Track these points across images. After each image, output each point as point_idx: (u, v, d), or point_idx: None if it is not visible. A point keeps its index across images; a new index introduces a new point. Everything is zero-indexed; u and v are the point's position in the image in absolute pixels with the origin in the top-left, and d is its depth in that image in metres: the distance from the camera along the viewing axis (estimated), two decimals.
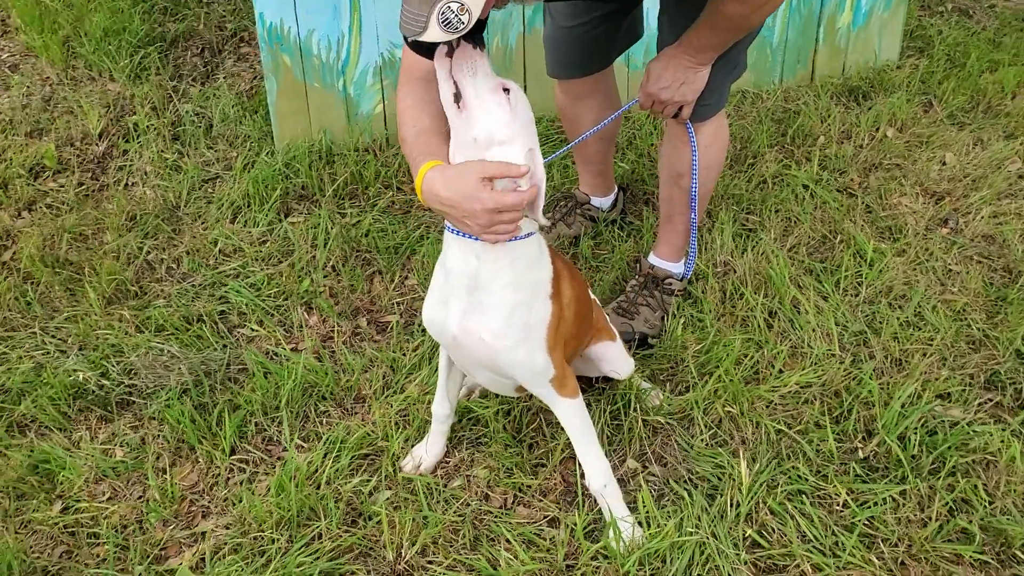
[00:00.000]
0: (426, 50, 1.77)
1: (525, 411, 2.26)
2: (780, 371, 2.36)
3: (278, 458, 2.20)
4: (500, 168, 1.62)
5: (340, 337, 2.54)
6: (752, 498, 2.01)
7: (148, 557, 1.97)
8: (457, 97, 1.69)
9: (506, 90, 1.69)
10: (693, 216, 2.45)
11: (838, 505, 2.02)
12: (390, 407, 2.29)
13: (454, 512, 2.03)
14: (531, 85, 3.41)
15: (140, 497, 2.12)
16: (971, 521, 1.97)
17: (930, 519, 1.98)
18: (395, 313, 2.62)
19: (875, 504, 2.01)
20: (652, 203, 3.03)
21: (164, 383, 2.36)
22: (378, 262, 2.80)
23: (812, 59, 3.79)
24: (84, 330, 2.54)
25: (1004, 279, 2.70)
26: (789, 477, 2.08)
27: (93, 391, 2.35)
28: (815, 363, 2.38)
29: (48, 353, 2.49)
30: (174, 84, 3.65)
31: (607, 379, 2.26)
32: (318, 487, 2.09)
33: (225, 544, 1.98)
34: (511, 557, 1.92)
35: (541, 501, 2.07)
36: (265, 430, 2.27)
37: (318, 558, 1.93)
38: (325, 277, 2.75)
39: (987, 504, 2.01)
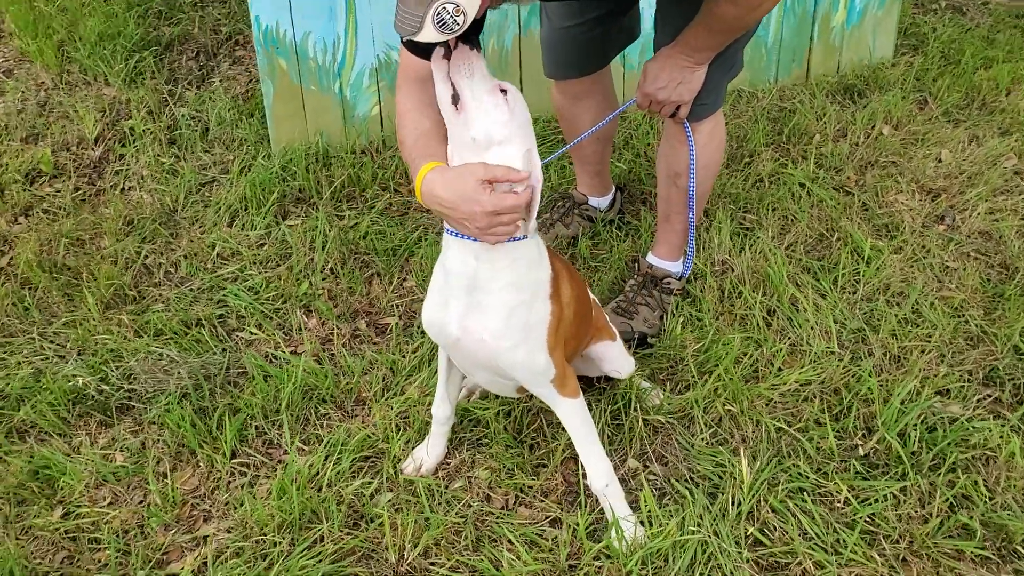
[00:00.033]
0: (423, 51, 1.77)
1: (526, 412, 2.27)
2: (779, 369, 2.37)
3: (279, 461, 2.20)
4: (500, 172, 1.63)
5: (339, 339, 2.54)
6: (753, 496, 2.02)
7: (150, 562, 1.97)
8: (455, 99, 1.69)
9: (503, 91, 1.70)
10: (691, 215, 2.46)
11: (839, 502, 2.03)
12: (390, 409, 2.29)
13: (456, 513, 2.04)
14: (527, 86, 3.41)
15: (141, 502, 2.12)
16: (972, 517, 1.97)
17: (931, 515, 1.98)
18: (394, 315, 2.62)
19: (876, 501, 2.01)
20: (650, 203, 3.04)
21: (164, 387, 2.36)
22: (376, 264, 2.80)
23: (807, 58, 3.80)
24: (83, 335, 2.53)
25: (1001, 275, 2.70)
26: (790, 475, 2.08)
27: (92, 396, 2.35)
28: (814, 361, 2.38)
29: (47, 358, 2.48)
30: (169, 88, 3.65)
31: (608, 379, 2.26)
32: (319, 490, 2.09)
33: (227, 548, 1.98)
34: (513, 558, 1.92)
35: (543, 501, 2.07)
36: (265, 433, 2.27)
37: (320, 561, 1.93)
38: (324, 280, 2.75)
39: (987, 500, 2.01)
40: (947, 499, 2.01)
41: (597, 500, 1.99)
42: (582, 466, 1.99)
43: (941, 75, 3.75)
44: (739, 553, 1.91)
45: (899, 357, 2.41)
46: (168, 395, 2.33)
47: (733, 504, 2.00)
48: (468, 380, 2.23)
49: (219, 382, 2.39)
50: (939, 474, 2.06)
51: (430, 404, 2.14)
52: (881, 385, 2.30)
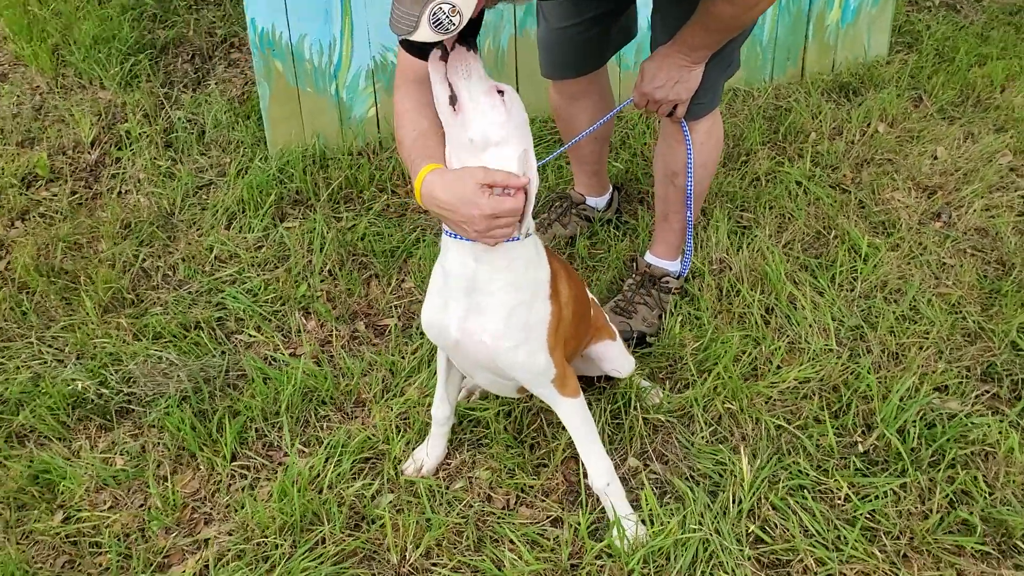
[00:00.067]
0: (419, 51, 1.78)
1: (526, 412, 2.27)
2: (778, 367, 2.37)
3: (279, 463, 2.20)
4: (500, 177, 1.63)
5: (338, 341, 2.54)
6: (754, 494, 2.02)
7: (151, 565, 1.97)
8: (452, 100, 1.69)
9: (500, 92, 1.70)
10: (689, 214, 2.46)
11: (839, 499, 2.03)
12: (390, 410, 2.29)
13: (457, 514, 2.04)
14: (524, 86, 3.41)
15: (142, 505, 2.12)
16: (972, 512, 1.98)
17: (931, 511, 1.99)
18: (393, 316, 2.62)
19: (876, 497, 2.02)
20: (647, 202, 3.04)
21: (163, 391, 2.36)
22: (375, 266, 2.80)
23: (802, 56, 3.81)
24: (81, 339, 2.53)
25: (998, 271, 2.71)
26: (790, 472, 2.09)
27: (92, 400, 2.34)
28: (813, 358, 2.39)
29: (45, 363, 2.48)
30: (165, 91, 3.65)
31: (607, 378, 2.27)
32: (320, 492, 2.09)
33: (228, 551, 1.98)
34: (515, 558, 1.93)
35: (544, 501, 2.07)
36: (266, 436, 2.27)
37: (322, 563, 1.93)
38: (322, 282, 2.75)
39: (987, 495, 2.02)
40: (947, 495, 2.02)
41: (598, 499, 2.00)
42: (583, 465, 1.99)
43: (936, 72, 3.76)
44: (740, 551, 1.92)
45: (897, 354, 2.42)
46: (168, 398, 2.33)
47: (734, 502, 2.01)
48: (467, 381, 2.23)
49: (218, 385, 2.38)
50: (939, 470, 2.07)
51: (430, 405, 2.15)
52: (880, 382, 2.30)
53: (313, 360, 2.46)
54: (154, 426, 2.29)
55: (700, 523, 1.95)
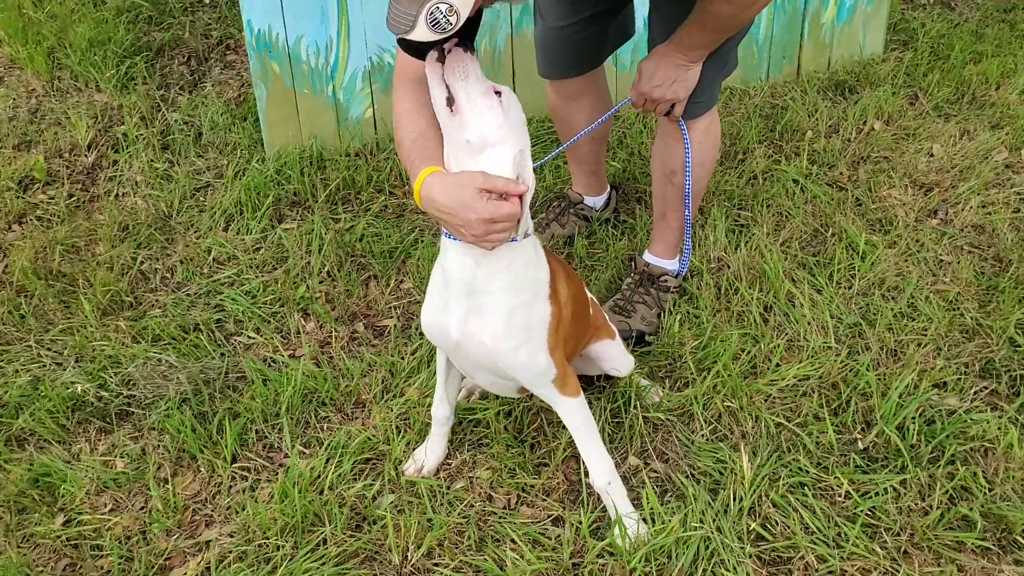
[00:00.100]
0: (416, 50, 1.78)
1: (526, 411, 2.27)
2: (777, 365, 2.38)
3: (280, 465, 2.19)
4: (500, 183, 1.63)
5: (338, 342, 2.54)
6: (754, 492, 2.02)
7: (153, 568, 1.97)
8: (450, 101, 1.69)
9: (498, 93, 1.70)
10: (687, 213, 2.47)
11: (840, 496, 2.04)
12: (390, 411, 2.29)
13: (458, 514, 2.04)
14: (520, 86, 3.42)
15: (142, 508, 2.11)
16: (972, 508, 1.99)
17: (931, 507, 1.99)
18: (392, 317, 2.62)
19: (876, 494, 2.03)
20: (645, 201, 3.05)
21: (163, 393, 2.36)
22: (373, 266, 2.80)
23: (798, 54, 3.82)
24: (80, 342, 2.53)
25: (995, 268, 2.72)
26: (790, 470, 2.09)
27: (91, 403, 2.34)
28: (812, 356, 2.39)
29: (44, 366, 2.47)
30: (161, 93, 3.64)
31: (607, 377, 2.27)
32: (321, 493, 2.09)
33: (230, 552, 1.98)
34: (517, 557, 1.93)
35: (545, 500, 2.07)
36: (266, 437, 2.27)
37: (324, 563, 1.93)
38: (320, 283, 2.75)
39: (987, 491, 2.03)
40: (947, 491, 2.02)
41: (599, 498, 2.00)
42: (584, 464, 1.99)
43: (931, 70, 3.77)
44: (741, 548, 1.92)
45: (896, 351, 2.43)
46: (167, 400, 2.33)
47: (734, 500, 2.01)
48: (467, 381, 2.23)
49: (218, 387, 2.38)
50: (938, 466, 2.08)
51: (430, 405, 2.15)
52: (879, 379, 2.31)
53: (313, 361, 2.46)
54: (154, 428, 2.29)
55: (701, 521, 1.96)
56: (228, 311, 2.65)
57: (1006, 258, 2.73)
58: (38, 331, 2.60)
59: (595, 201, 2.93)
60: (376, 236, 2.91)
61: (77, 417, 2.33)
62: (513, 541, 1.97)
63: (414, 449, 2.19)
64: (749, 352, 2.41)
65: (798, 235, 2.85)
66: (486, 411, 2.26)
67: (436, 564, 1.94)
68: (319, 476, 2.12)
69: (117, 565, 1.97)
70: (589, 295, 2.16)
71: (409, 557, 1.95)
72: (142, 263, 2.86)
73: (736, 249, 2.77)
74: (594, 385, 2.31)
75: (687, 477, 2.10)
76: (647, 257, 2.63)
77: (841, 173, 3.16)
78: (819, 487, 2.06)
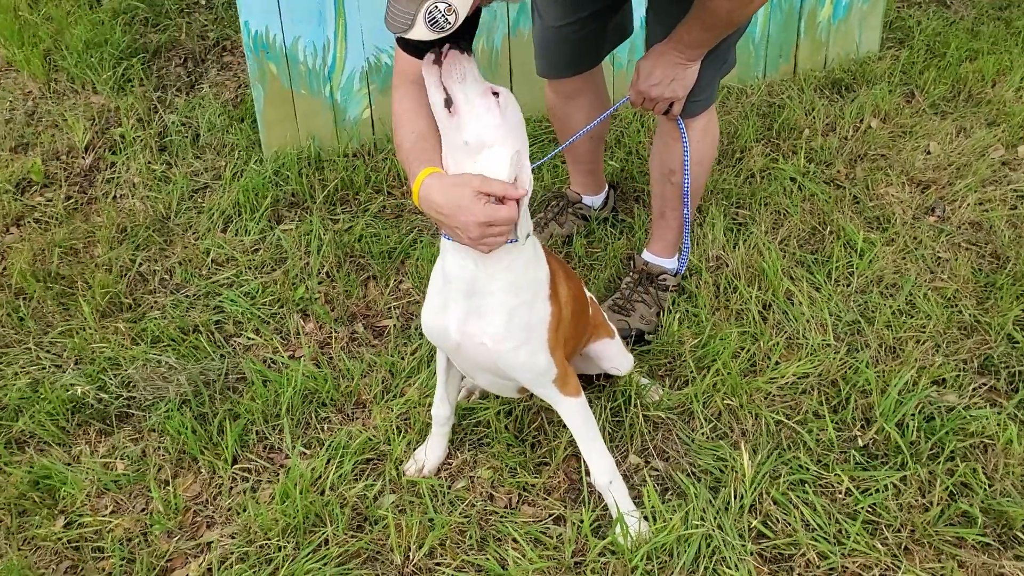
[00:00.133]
0: (415, 50, 1.78)
1: (527, 411, 2.27)
2: (777, 363, 2.38)
3: (281, 466, 2.19)
4: (498, 188, 1.63)
5: (338, 343, 2.54)
6: (755, 489, 2.03)
7: (154, 569, 1.97)
8: (448, 103, 1.70)
9: (496, 94, 1.70)
10: (686, 212, 2.47)
11: (840, 493, 2.04)
12: (391, 411, 2.29)
13: (460, 513, 2.04)
14: (518, 86, 3.42)
15: (143, 509, 2.11)
16: (972, 504, 1.99)
17: (931, 504, 2.00)
18: (391, 317, 2.62)
19: (877, 491, 2.03)
20: (643, 200, 3.05)
21: (163, 394, 2.36)
22: (372, 267, 2.80)
23: (794, 53, 3.83)
24: (79, 344, 2.52)
25: (992, 265, 2.73)
26: (791, 467, 2.10)
27: (91, 405, 2.34)
28: (811, 354, 2.40)
29: (44, 368, 2.47)
30: (158, 95, 3.64)
31: (607, 376, 2.27)
32: (322, 493, 2.09)
33: (232, 553, 1.98)
34: (519, 556, 1.93)
35: (546, 499, 2.08)
36: (267, 438, 2.27)
37: (326, 564, 1.93)
38: (320, 284, 2.75)
39: (987, 487, 2.03)
40: (947, 487, 2.03)
41: (600, 497, 2.00)
42: (584, 463, 1.99)
43: (927, 68, 3.78)
44: (743, 546, 1.93)
45: (895, 348, 2.43)
46: (167, 402, 2.33)
47: (735, 497, 2.02)
48: (467, 380, 2.23)
49: (218, 388, 2.38)
50: (938, 463, 2.08)
51: (430, 405, 2.15)
52: (878, 376, 2.31)
53: (312, 362, 2.46)
54: (154, 430, 2.29)
55: (702, 519, 1.96)
56: (227, 312, 2.65)
57: (1003, 255, 2.74)
58: (37, 333, 2.59)
59: (593, 200, 2.93)
60: (375, 236, 2.91)
61: (77, 419, 2.32)
62: (515, 540, 1.97)
63: (415, 449, 2.19)
64: (748, 350, 2.41)
65: (796, 233, 2.86)
66: (486, 411, 2.26)
67: (438, 564, 1.94)
68: (320, 477, 2.12)
69: (119, 567, 1.97)
70: (588, 294, 2.16)
71: (411, 557, 1.95)
72: (141, 265, 2.86)
73: (735, 247, 2.77)
74: (594, 384, 2.31)
75: (688, 475, 2.10)
76: (646, 256, 2.63)
77: (838, 171, 3.17)
78: (819, 484, 2.07)
